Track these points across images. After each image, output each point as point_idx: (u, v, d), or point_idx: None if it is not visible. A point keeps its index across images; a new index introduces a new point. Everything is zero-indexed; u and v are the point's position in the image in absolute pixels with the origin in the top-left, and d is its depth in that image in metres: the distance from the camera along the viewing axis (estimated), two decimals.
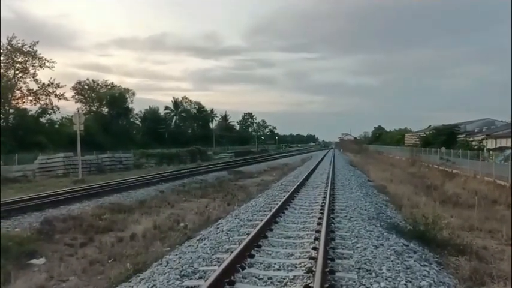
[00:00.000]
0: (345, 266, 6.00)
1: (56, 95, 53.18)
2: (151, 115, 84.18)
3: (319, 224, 8.78)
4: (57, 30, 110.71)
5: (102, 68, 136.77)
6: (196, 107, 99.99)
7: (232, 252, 6.49)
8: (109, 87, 72.57)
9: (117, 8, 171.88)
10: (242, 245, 6.71)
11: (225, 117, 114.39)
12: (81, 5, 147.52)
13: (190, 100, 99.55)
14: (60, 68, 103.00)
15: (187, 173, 25.68)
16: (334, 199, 13.20)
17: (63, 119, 55.80)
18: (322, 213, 9.93)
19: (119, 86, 74.46)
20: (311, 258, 6.22)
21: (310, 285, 5.03)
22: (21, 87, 51.70)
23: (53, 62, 52.18)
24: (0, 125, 32.72)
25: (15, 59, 50.39)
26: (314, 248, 6.75)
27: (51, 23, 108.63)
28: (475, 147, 39.14)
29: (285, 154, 67.33)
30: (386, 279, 5.46)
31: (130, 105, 74.58)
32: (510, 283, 6.09)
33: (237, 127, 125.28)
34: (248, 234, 7.84)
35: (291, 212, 11.03)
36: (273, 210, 10.30)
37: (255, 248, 6.99)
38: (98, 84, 71.29)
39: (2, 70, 49.50)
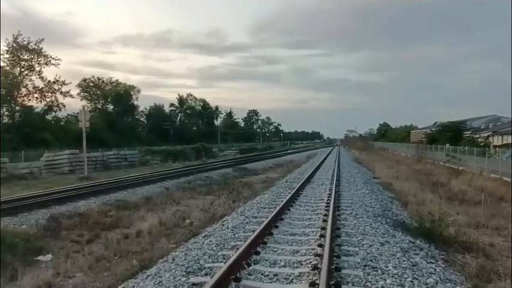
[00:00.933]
0: (351, 263, 5.98)
1: (61, 92, 53.41)
2: (156, 112, 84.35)
3: (325, 221, 8.77)
4: (63, 28, 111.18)
5: (107, 65, 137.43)
6: (201, 104, 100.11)
7: (237, 249, 6.49)
8: (114, 84, 72.72)
9: (121, 5, 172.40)
10: (247, 242, 6.71)
11: (229, 114, 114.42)
12: (86, 3, 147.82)
13: (195, 97, 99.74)
14: (65, 66, 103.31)
15: (193, 170, 25.72)
16: (339, 196, 13.17)
17: (69, 116, 56.06)
18: (327, 210, 9.92)
19: (124, 83, 74.58)
20: (317, 255, 6.22)
21: (316, 282, 5.03)
22: (27, 85, 51.92)
23: (58, 59, 52.34)
24: (1, 122, 32.70)
25: (21, 56, 50.56)
26: (320, 245, 6.74)
27: (56, 21, 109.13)
28: (481, 144, 38.90)
29: (290, 151, 67.29)
30: (392, 276, 5.44)
31: (135, 103, 74.75)
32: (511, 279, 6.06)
33: (242, 124, 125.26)
34: (253, 231, 7.85)
35: (296, 209, 11.02)
36: (278, 207, 10.30)
37: (261, 245, 6.99)
38: (103, 82, 71.45)
39: (8, 68, 49.74)
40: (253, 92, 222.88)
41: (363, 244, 7.11)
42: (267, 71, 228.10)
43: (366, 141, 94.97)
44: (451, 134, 44.69)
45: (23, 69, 51.29)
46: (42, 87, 52.36)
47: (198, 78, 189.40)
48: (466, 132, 47.85)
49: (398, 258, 6.32)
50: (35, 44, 50.93)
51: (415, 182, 19.88)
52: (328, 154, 50.81)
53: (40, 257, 7.82)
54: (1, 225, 9.47)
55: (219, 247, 7.16)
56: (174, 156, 41.33)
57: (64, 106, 54.78)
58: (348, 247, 6.90)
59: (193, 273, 5.75)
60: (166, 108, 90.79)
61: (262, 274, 5.61)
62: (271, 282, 5.36)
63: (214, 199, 14.96)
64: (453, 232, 8.96)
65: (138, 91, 76.40)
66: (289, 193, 13.32)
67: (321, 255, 6.02)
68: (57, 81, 52.74)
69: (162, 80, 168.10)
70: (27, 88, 51.93)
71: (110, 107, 70.09)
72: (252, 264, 5.99)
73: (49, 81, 52.43)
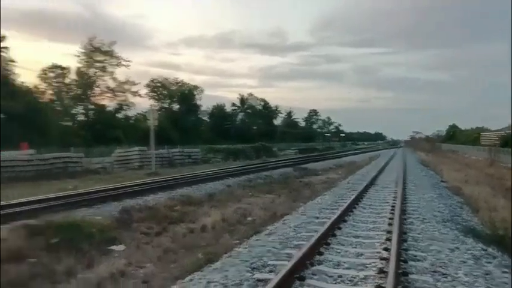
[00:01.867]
0: (418, 269, 5.80)
1: (131, 92, 56.48)
2: (218, 111, 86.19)
3: (390, 224, 8.54)
4: (133, 30, 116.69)
5: (173, 66, 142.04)
6: (262, 103, 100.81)
7: (301, 248, 6.52)
8: (179, 84, 75.33)
9: (187, 7, 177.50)
10: (311, 242, 6.71)
11: (289, 114, 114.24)
12: (155, 5, 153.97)
13: (256, 97, 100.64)
14: (135, 67, 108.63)
15: (253, 168, 26.02)
16: (405, 199, 12.74)
17: (138, 115, 58.95)
18: (393, 214, 9.65)
19: (189, 84, 77.06)
20: (382, 258, 6.09)
21: (382, 285, 4.93)
22: (99, 85, 55.35)
23: (128, 61, 55.40)
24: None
25: (95, 58, 53.97)
26: (386, 249, 6.59)
27: (128, 23, 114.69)
28: None
29: (351, 152, 65.94)
30: (463, 284, 5.21)
31: (198, 102, 76.92)
32: None
33: (302, 124, 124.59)
34: (316, 231, 7.82)
35: (360, 211, 10.82)
36: (341, 209, 10.16)
37: (324, 246, 6.96)
38: (169, 82, 74.31)
39: (83, 69, 53.32)
40: (314, 91, 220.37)
41: (431, 249, 6.85)
42: (328, 70, 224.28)
43: (433, 143, 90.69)
44: None
45: (96, 70, 54.71)
46: (114, 87, 55.65)
47: (259, 78, 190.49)
48: None
49: (469, 266, 6.03)
50: (108, 46, 54.19)
51: (486, 186, 18.69)
52: (393, 156, 49.20)
53: (113, 247, 8.31)
54: (79, 216, 10.18)
55: (282, 245, 7.23)
56: (235, 155, 42.03)
57: (133, 105, 57.90)
58: (416, 252, 6.68)
59: (258, 270, 5.86)
60: (228, 108, 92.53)
61: (326, 275, 5.60)
62: (335, 284, 5.33)
63: (274, 198, 15.05)
64: None
65: (202, 91, 78.60)
66: (352, 195, 13.08)
67: (387, 259, 5.89)
68: (128, 81, 55.88)
69: (224, 80, 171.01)
70: (100, 88, 55.40)
71: (175, 106, 72.69)
72: (316, 264, 5.99)
73: (120, 81, 55.65)
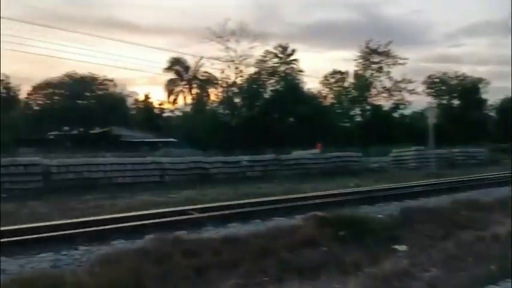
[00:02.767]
0: None
1: (407, 90, 55.85)
2: (505, 105, 74.65)
3: None
4: (409, 27, 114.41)
5: (453, 58, 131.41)
6: None
7: None
8: (460, 78, 69.38)
9: None
10: None
11: None
12: None
13: None
14: (411, 64, 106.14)
15: None
16: None
17: (414, 113, 57.65)
18: None
19: (471, 76, 69.98)
20: None
21: None
22: (376, 86, 56.91)
23: (405, 58, 55.01)
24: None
25: (372, 60, 55.89)
26: None
27: (404, 21, 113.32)
28: None
29: None
30: None
31: (483, 96, 68.84)
32: None
33: None
34: None
35: None
36: None
37: None
38: (448, 77, 69.46)
39: (360, 71, 56.15)
40: None
41: None
42: None
43: None
44: None
45: (373, 72, 56.55)
46: (390, 87, 56.23)
47: None
48: None
49: None
50: (384, 47, 55.19)
51: None
52: None
53: (396, 246, 8.47)
54: (362, 212, 10.85)
55: None
56: None
57: (410, 103, 57.05)
58: None
59: None
60: None
61: None
62: None
63: None
64: None
65: (488, 83, 70.00)
66: None
67: None
68: (404, 79, 55.49)
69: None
70: (376, 89, 56.99)
71: (456, 102, 67.36)
72: None
73: (396, 80, 55.79)
